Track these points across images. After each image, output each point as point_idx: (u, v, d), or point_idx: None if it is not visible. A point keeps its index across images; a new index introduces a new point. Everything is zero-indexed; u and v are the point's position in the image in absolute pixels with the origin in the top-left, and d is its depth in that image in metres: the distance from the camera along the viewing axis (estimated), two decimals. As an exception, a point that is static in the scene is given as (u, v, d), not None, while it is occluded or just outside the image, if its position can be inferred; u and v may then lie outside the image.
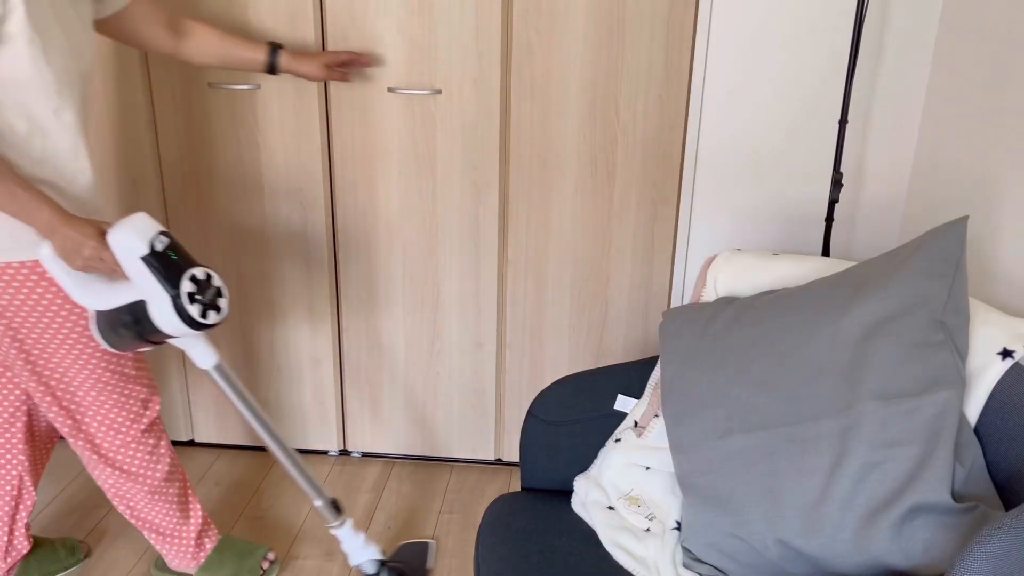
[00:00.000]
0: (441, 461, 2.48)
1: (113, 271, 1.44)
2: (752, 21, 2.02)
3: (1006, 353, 1.29)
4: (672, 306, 2.29)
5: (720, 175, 2.14)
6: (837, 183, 1.90)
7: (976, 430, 1.30)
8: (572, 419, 1.65)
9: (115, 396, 1.66)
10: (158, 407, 1.74)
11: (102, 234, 1.43)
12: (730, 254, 1.71)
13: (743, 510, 1.32)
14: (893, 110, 2.08)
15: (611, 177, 2.17)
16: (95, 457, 1.72)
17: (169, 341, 1.52)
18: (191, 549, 1.87)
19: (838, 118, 1.99)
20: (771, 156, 2.12)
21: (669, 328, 1.63)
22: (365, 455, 2.51)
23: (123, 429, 1.69)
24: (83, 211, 1.54)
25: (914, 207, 2.11)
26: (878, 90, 2.07)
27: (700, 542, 1.39)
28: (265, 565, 1.98)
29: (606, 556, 1.45)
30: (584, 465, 1.65)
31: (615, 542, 1.47)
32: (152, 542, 1.87)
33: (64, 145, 1.49)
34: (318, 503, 1.71)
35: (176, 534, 1.86)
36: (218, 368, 1.60)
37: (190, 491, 1.87)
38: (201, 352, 1.58)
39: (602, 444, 1.65)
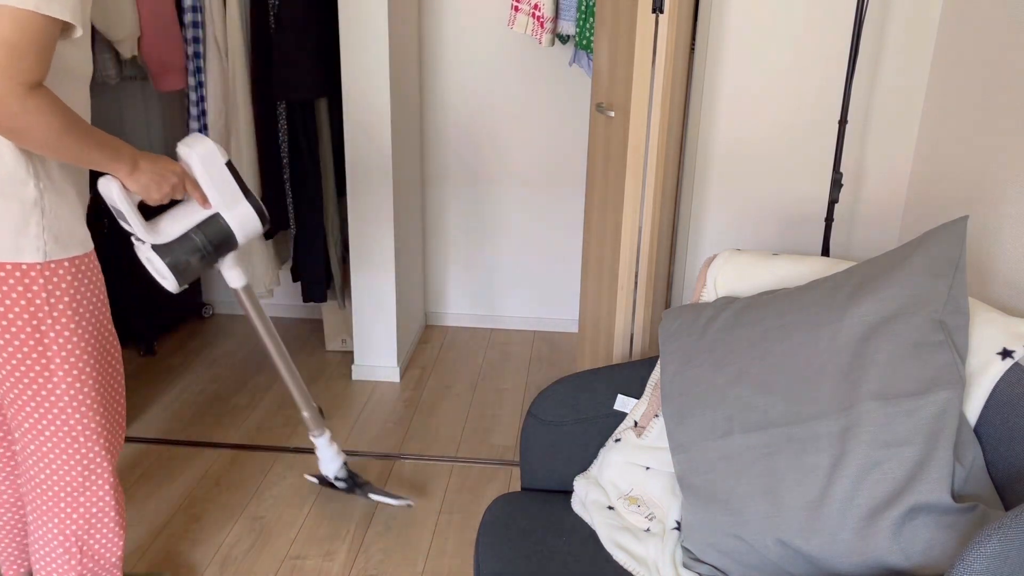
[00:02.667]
0: (441, 461, 2.48)
1: (189, 192, 1.55)
2: (754, 24, 2.02)
3: (1006, 353, 1.29)
4: (672, 306, 2.29)
5: (721, 175, 2.15)
6: (837, 183, 1.90)
7: (976, 430, 1.30)
8: (572, 419, 1.65)
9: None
10: None
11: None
12: (730, 254, 1.71)
13: (743, 510, 1.32)
14: (893, 110, 2.08)
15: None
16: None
17: (219, 262, 1.67)
18: None
19: (838, 118, 1.99)
20: (771, 156, 2.12)
21: (669, 328, 1.63)
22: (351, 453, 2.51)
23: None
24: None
25: (914, 207, 2.11)
26: (878, 90, 2.07)
27: (700, 542, 1.39)
28: None
29: (606, 556, 1.45)
30: (584, 465, 1.65)
31: (615, 542, 1.47)
32: None
33: None
34: (306, 414, 2.00)
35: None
36: (247, 288, 1.77)
37: None
38: (238, 272, 1.75)
39: (602, 444, 1.65)
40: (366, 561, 2.05)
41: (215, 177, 1.55)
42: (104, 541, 1.64)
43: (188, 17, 2.69)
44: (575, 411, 1.66)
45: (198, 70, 2.77)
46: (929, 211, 2.03)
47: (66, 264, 1.44)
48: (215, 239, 1.58)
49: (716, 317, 1.56)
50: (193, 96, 2.81)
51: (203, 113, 2.83)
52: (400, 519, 2.21)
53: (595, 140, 2.30)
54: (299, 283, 3.01)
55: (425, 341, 3.32)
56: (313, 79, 2.61)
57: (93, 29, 2.47)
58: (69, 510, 1.59)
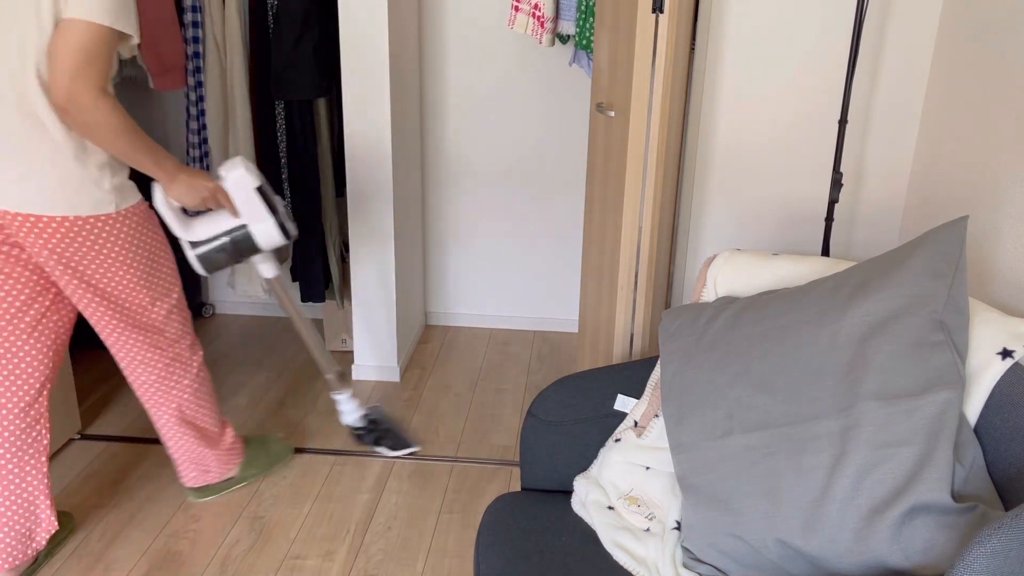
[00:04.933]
0: (441, 460, 2.48)
1: (221, 206, 1.83)
2: (754, 24, 2.02)
3: (1006, 353, 1.29)
4: (672, 306, 2.30)
5: (721, 175, 2.15)
6: (837, 183, 1.90)
7: (976, 430, 1.30)
8: (572, 419, 1.65)
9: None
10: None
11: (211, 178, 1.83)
12: (730, 254, 1.71)
13: (743, 510, 1.32)
14: (893, 110, 2.08)
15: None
16: (158, 341, 1.94)
17: (251, 259, 1.96)
18: (237, 446, 2.22)
19: (838, 118, 1.99)
20: (772, 156, 2.12)
21: (669, 328, 1.63)
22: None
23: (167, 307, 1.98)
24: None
25: (914, 207, 2.11)
26: (878, 90, 2.07)
27: (700, 542, 1.39)
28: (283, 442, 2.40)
29: (606, 556, 1.45)
30: (584, 465, 1.65)
31: (615, 542, 1.47)
32: (193, 458, 2.13)
33: None
34: (329, 376, 2.21)
35: (220, 435, 2.16)
36: (277, 279, 2.05)
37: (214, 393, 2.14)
38: (271, 265, 2.02)
39: (602, 444, 1.65)
40: (366, 561, 2.05)
41: (243, 196, 1.85)
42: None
43: (188, 17, 2.69)
44: (575, 411, 1.66)
45: (197, 70, 2.77)
46: (929, 211, 2.03)
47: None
48: (240, 243, 1.89)
49: (716, 317, 1.56)
50: (192, 96, 2.81)
51: (202, 113, 2.83)
52: (400, 519, 2.22)
53: (595, 140, 2.30)
54: (298, 283, 3.01)
55: (425, 341, 3.32)
56: (312, 79, 2.61)
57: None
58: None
